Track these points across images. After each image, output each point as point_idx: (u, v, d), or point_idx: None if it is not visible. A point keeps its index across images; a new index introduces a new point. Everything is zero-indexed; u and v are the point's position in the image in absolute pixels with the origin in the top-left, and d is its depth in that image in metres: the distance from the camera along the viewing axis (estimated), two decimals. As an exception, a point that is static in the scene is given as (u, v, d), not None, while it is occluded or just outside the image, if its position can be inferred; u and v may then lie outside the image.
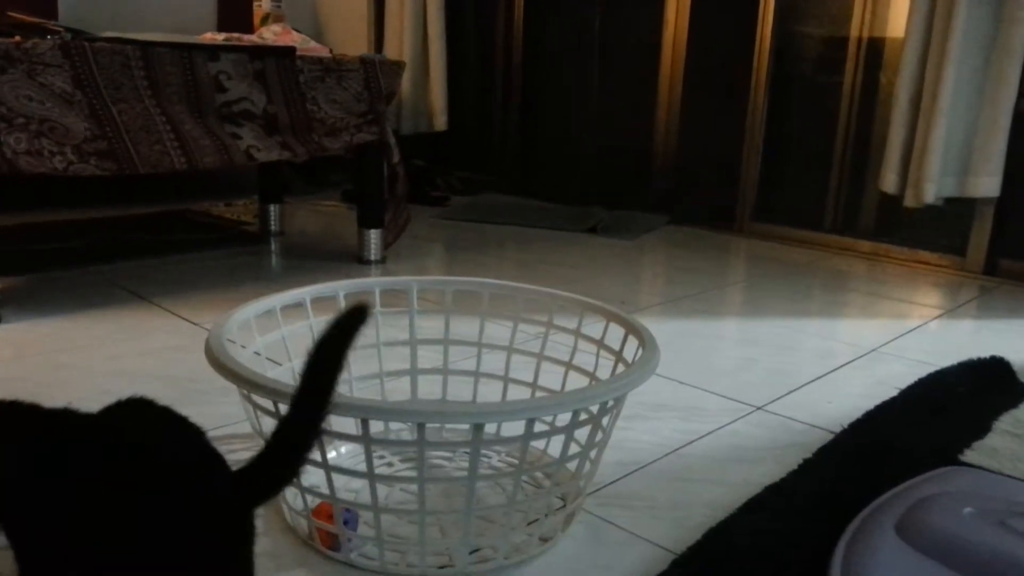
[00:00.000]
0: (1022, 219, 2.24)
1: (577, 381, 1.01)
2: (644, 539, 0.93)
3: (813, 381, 1.44)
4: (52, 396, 1.17)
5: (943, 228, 2.40)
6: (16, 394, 0.68)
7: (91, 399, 0.68)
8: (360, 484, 0.99)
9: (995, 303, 2.04)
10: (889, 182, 2.30)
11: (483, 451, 1.10)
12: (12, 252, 2.17)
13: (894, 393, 1.37)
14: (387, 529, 0.91)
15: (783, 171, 2.73)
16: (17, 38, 1.53)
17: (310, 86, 1.92)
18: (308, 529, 0.88)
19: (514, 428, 0.96)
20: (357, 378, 1.11)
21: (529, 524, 0.92)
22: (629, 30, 3.02)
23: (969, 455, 1.14)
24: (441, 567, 0.85)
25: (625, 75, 3.06)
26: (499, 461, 1.10)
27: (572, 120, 3.25)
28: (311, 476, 0.94)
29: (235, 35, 2.04)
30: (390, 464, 1.06)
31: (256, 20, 2.41)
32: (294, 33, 2.16)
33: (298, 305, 1.06)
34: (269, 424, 0.69)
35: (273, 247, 2.37)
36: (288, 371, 1.02)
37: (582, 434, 0.88)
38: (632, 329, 0.99)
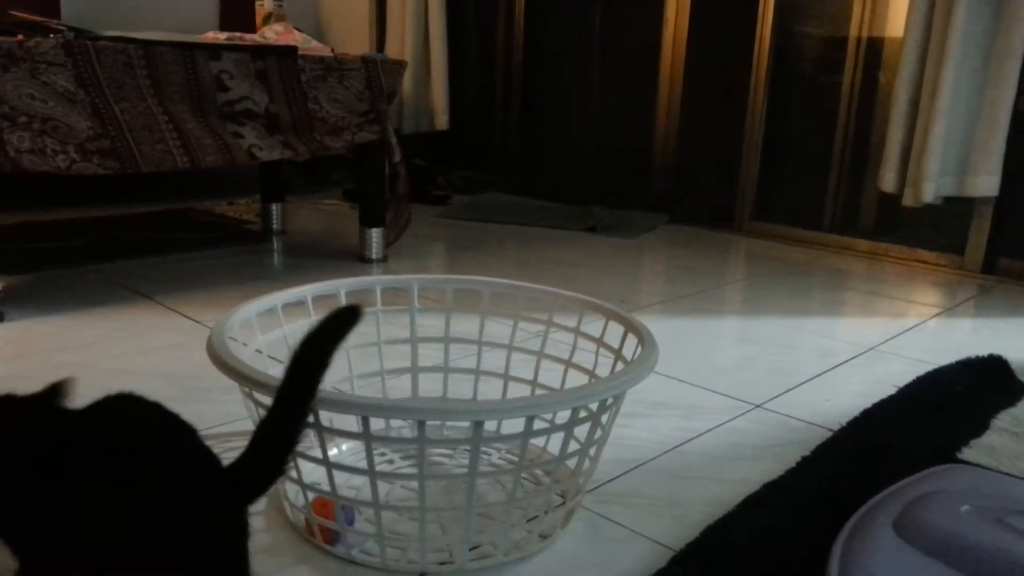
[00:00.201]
0: (1021, 218, 2.24)
1: (577, 379, 1.01)
2: (643, 536, 0.93)
3: (812, 379, 1.45)
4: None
5: (942, 227, 2.41)
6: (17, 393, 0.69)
7: (93, 397, 0.68)
8: (361, 481, 1.00)
9: (993, 302, 2.04)
10: (888, 181, 2.30)
11: (483, 448, 1.10)
12: (15, 251, 2.17)
13: (892, 391, 1.37)
14: (388, 526, 0.91)
15: (782, 170, 2.73)
16: (20, 37, 1.53)
17: (312, 85, 1.92)
18: (308, 525, 0.89)
19: (514, 425, 0.97)
20: (358, 376, 1.11)
21: (529, 521, 0.92)
22: (629, 30, 3.03)
23: (967, 453, 1.15)
24: (441, 563, 0.86)
25: (625, 75, 3.06)
26: (499, 458, 1.10)
27: (572, 119, 3.26)
28: (313, 473, 0.94)
29: (237, 34, 2.04)
30: (391, 461, 1.07)
31: (258, 19, 2.41)
32: (296, 32, 2.16)
33: (300, 303, 1.06)
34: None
35: (275, 246, 2.38)
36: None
37: (582, 431, 0.89)
38: (631, 327, 1.00)
